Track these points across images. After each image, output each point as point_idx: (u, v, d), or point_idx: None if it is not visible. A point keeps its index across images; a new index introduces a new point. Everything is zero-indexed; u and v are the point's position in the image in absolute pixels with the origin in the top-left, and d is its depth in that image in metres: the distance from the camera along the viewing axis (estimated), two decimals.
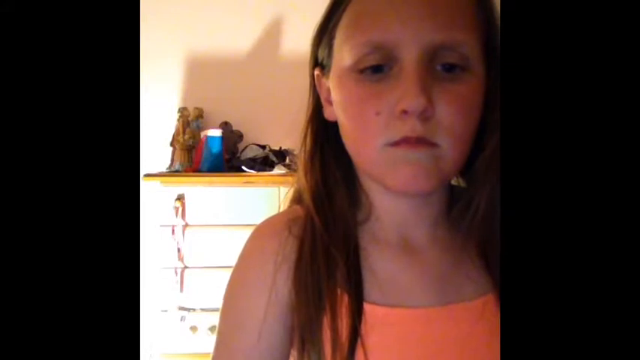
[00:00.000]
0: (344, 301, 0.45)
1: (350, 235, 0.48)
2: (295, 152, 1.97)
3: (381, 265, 0.48)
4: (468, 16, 0.42)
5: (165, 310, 1.75)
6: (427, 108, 0.40)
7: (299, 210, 0.52)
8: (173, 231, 1.73)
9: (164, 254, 1.75)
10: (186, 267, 1.75)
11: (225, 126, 2.00)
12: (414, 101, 0.39)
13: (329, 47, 0.47)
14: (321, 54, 0.49)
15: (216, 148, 1.86)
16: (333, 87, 0.46)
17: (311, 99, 0.51)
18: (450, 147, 0.42)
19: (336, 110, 0.47)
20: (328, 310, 0.45)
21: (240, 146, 2.04)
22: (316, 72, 0.50)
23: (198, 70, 2.14)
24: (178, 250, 1.74)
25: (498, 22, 0.44)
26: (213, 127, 1.94)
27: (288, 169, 1.88)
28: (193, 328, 1.74)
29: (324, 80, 0.49)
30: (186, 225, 1.75)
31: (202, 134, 1.90)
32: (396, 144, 0.41)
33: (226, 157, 1.92)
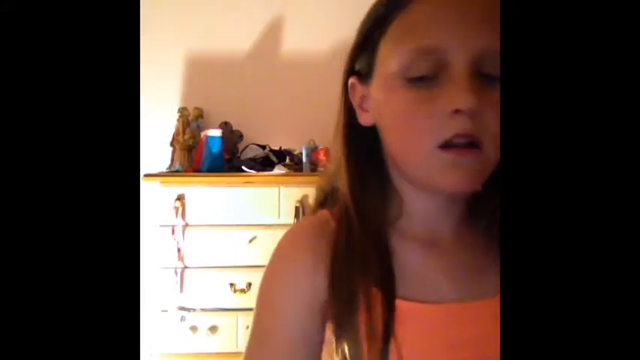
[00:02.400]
0: (377, 298, 0.48)
1: (382, 234, 0.51)
2: (295, 152, 1.97)
3: (410, 261, 0.51)
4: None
5: (165, 310, 1.75)
6: (477, 106, 0.42)
7: (326, 214, 0.55)
8: (173, 231, 1.73)
9: (164, 254, 1.75)
10: (186, 267, 1.75)
11: (225, 126, 2.00)
12: (466, 99, 0.42)
13: (370, 58, 0.49)
14: (360, 65, 0.51)
15: (216, 148, 1.86)
16: (377, 93, 0.49)
17: (343, 106, 0.53)
18: (492, 148, 0.45)
19: (382, 116, 0.49)
20: (363, 306, 0.47)
21: (240, 146, 2.05)
22: (351, 80, 0.52)
23: (198, 70, 2.14)
24: (178, 250, 1.74)
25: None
26: (213, 127, 1.94)
27: (288, 169, 1.88)
28: (193, 328, 1.74)
29: (359, 88, 0.52)
30: (186, 225, 1.75)
31: (202, 134, 1.90)
32: (446, 148, 0.44)
33: (226, 157, 1.92)
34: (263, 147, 1.99)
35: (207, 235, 1.75)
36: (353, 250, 0.50)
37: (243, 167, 1.88)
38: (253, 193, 1.75)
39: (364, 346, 0.47)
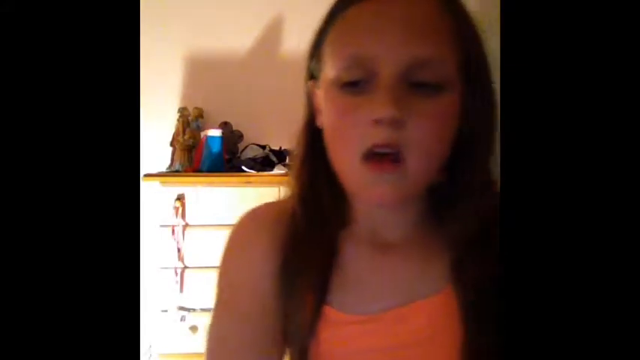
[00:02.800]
0: (309, 302, 0.49)
1: (330, 239, 0.52)
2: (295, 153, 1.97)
3: (354, 267, 0.51)
4: (445, 34, 0.44)
5: (165, 310, 1.75)
6: (397, 117, 0.42)
7: (288, 204, 0.55)
8: (173, 231, 1.73)
9: (164, 254, 1.75)
10: (186, 267, 1.75)
11: (225, 126, 2.00)
12: (385, 110, 0.42)
13: (319, 61, 0.50)
14: (313, 66, 0.52)
15: (216, 148, 1.86)
16: (321, 97, 0.49)
17: (306, 108, 0.54)
18: (417, 161, 0.44)
19: (324, 120, 0.50)
20: (294, 307, 0.50)
21: (240, 146, 2.04)
22: (310, 83, 0.53)
23: (198, 70, 2.14)
24: (178, 250, 1.74)
25: (478, 37, 0.47)
26: (213, 127, 1.94)
27: (288, 169, 1.87)
28: (193, 328, 1.74)
29: (315, 90, 0.52)
30: (186, 225, 1.74)
31: (202, 134, 1.90)
32: (369, 160, 0.44)
33: (226, 157, 1.92)
34: (263, 147, 1.99)
35: (207, 235, 1.75)
36: (298, 252, 0.51)
37: (243, 167, 1.88)
38: (253, 193, 1.75)
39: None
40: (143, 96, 1.95)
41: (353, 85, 0.45)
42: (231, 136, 2.01)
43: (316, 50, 0.50)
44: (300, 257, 0.51)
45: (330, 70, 0.46)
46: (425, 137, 0.43)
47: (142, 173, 1.78)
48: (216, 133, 1.88)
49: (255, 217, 0.57)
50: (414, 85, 0.43)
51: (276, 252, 0.52)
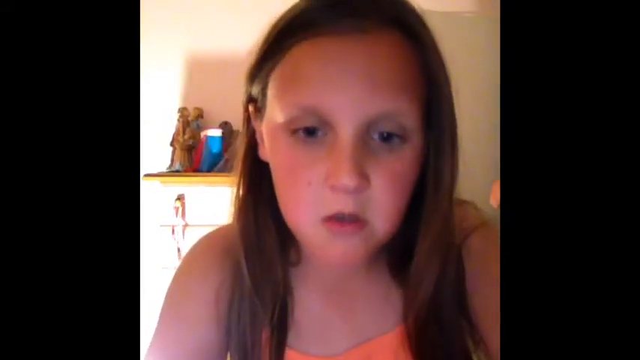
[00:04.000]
0: (267, 346, 0.47)
1: (279, 281, 0.47)
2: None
3: (307, 308, 0.49)
4: (409, 83, 0.39)
5: None
6: (359, 186, 0.38)
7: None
8: (173, 231, 1.73)
9: (164, 254, 1.75)
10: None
11: (225, 126, 2.00)
12: (345, 179, 0.37)
13: (262, 89, 0.44)
14: (255, 91, 0.46)
15: (216, 148, 1.86)
16: (266, 139, 0.44)
17: (245, 134, 0.48)
18: (381, 222, 0.40)
19: (269, 160, 0.44)
20: (255, 353, 0.47)
21: None
22: (250, 108, 0.47)
23: (198, 70, 2.14)
24: (178, 250, 1.74)
25: (443, 81, 0.42)
26: (213, 127, 1.94)
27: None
28: None
29: (257, 118, 0.46)
30: (186, 225, 1.75)
31: (202, 134, 1.90)
32: (328, 221, 0.40)
33: (226, 157, 1.92)
34: None
35: None
36: (245, 298, 0.48)
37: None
38: None
39: None
40: (143, 96, 1.96)
41: (306, 133, 0.39)
42: (231, 136, 2.01)
43: (257, 78, 0.45)
44: (249, 305, 0.48)
45: (277, 114, 0.40)
46: (389, 198, 0.40)
47: (142, 173, 1.78)
48: (216, 133, 1.88)
49: (204, 251, 0.52)
50: (375, 137, 0.39)
51: (224, 291, 0.49)
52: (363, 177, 0.38)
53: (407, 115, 0.39)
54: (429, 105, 0.41)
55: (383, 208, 0.40)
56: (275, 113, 0.41)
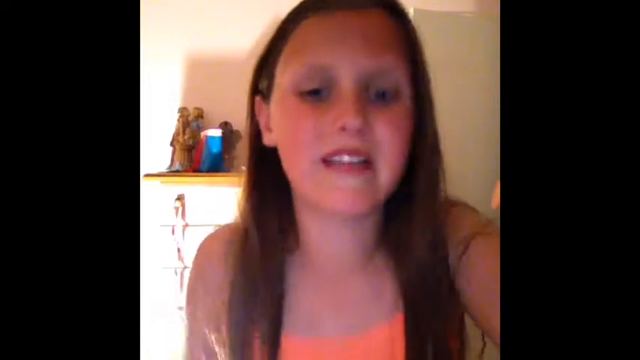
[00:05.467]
0: (264, 332, 0.49)
1: (278, 264, 0.51)
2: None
3: (304, 293, 0.51)
4: (397, 47, 0.46)
5: (166, 310, 1.75)
6: (364, 125, 0.42)
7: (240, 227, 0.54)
8: (173, 231, 1.73)
9: (164, 254, 1.75)
10: (186, 267, 1.75)
11: (225, 126, 2.00)
12: (352, 119, 0.42)
13: (270, 75, 0.50)
14: (263, 83, 0.52)
15: (216, 148, 1.86)
16: (274, 109, 0.49)
17: (250, 126, 0.53)
18: (385, 165, 0.44)
19: (276, 131, 0.49)
20: (252, 339, 0.49)
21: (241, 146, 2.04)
22: (257, 99, 0.53)
23: (198, 70, 2.14)
24: (178, 250, 1.74)
25: (422, 49, 0.49)
26: (213, 127, 1.94)
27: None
28: None
29: (264, 107, 0.51)
30: (186, 225, 1.75)
31: (202, 134, 1.90)
32: (328, 161, 0.43)
33: (226, 157, 1.92)
34: None
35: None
36: (245, 280, 0.51)
37: (244, 167, 1.88)
38: None
39: None
40: (143, 96, 1.96)
41: (312, 94, 0.45)
42: (231, 136, 2.01)
43: (266, 66, 0.51)
44: (248, 286, 0.50)
45: (287, 80, 0.46)
46: (391, 142, 0.44)
47: (142, 173, 1.78)
48: (216, 133, 1.88)
49: (210, 245, 0.57)
50: (373, 94, 0.45)
51: (225, 284, 0.52)
52: (367, 118, 0.42)
53: (398, 72, 0.45)
54: (413, 69, 0.47)
55: (386, 149, 0.44)
56: (284, 78, 0.47)
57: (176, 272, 1.75)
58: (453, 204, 0.52)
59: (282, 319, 0.50)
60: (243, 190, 0.52)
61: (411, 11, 2.20)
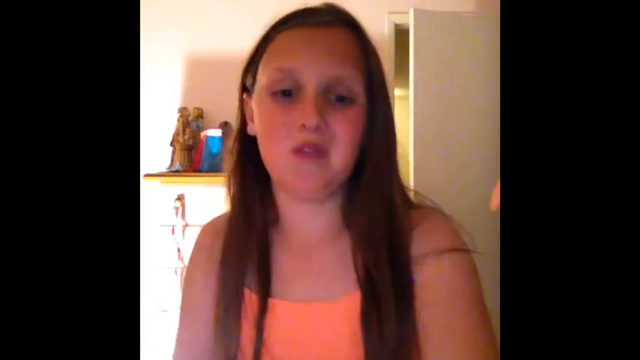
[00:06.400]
0: (252, 298, 0.58)
1: (262, 237, 0.61)
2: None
3: (281, 259, 0.60)
4: (356, 59, 0.56)
5: (165, 310, 1.75)
6: (320, 124, 0.52)
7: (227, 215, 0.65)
8: (173, 231, 1.73)
9: (164, 254, 1.75)
10: (186, 267, 1.75)
11: (225, 126, 2.00)
12: (310, 118, 0.51)
13: (254, 75, 0.59)
14: (248, 81, 0.61)
15: (216, 148, 1.86)
16: (254, 106, 0.58)
17: (239, 118, 0.63)
18: (337, 153, 0.54)
19: (255, 124, 0.58)
20: (237, 306, 0.58)
21: None
22: (244, 95, 0.62)
23: (198, 70, 2.15)
24: (178, 250, 1.74)
25: (380, 64, 0.58)
26: (213, 127, 1.94)
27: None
28: None
29: (248, 102, 0.61)
30: (186, 225, 1.75)
31: (202, 134, 1.91)
32: (295, 151, 0.53)
33: (226, 157, 1.92)
34: None
35: None
36: (234, 253, 0.60)
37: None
38: None
39: (244, 342, 0.57)
40: (143, 96, 1.96)
41: (283, 94, 0.54)
42: (231, 136, 2.01)
43: (251, 68, 0.60)
44: (235, 254, 0.60)
45: (264, 80, 0.55)
46: (342, 137, 0.53)
47: (142, 173, 1.78)
48: (216, 133, 1.88)
49: (200, 234, 0.68)
50: (334, 98, 0.54)
51: (214, 264, 0.61)
52: (323, 119, 0.52)
53: (354, 80, 0.54)
54: (369, 80, 0.57)
55: (340, 141, 0.53)
56: (262, 79, 0.56)
57: (176, 272, 1.75)
58: (428, 211, 0.58)
59: (270, 275, 0.59)
60: (230, 171, 0.62)
61: (411, 11, 2.21)
